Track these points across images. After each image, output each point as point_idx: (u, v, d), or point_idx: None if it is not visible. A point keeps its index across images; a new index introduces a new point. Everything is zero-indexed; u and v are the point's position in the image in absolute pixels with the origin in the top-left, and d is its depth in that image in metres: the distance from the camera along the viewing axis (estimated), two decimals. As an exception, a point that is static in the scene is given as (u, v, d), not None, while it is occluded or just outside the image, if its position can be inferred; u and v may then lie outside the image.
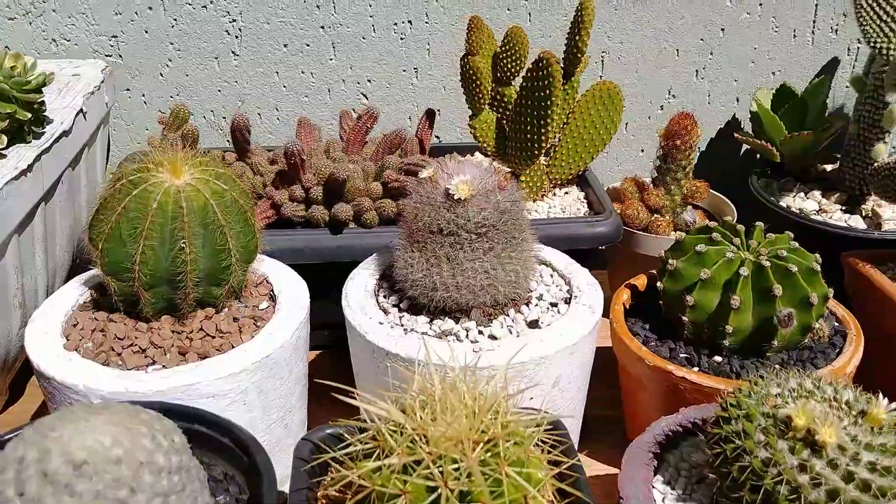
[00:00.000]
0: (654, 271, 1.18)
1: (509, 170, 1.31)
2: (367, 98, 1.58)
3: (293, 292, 1.04)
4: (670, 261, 1.02)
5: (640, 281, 1.18)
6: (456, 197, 0.92)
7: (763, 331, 0.95)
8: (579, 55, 1.26)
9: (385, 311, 1.00)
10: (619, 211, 1.36)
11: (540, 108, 1.18)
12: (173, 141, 1.26)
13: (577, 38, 1.23)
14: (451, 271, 0.95)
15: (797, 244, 1.00)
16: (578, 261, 1.31)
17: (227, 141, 1.56)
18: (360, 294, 1.02)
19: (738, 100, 1.65)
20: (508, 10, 1.52)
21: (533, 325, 0.97)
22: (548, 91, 1.15)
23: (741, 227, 1.03)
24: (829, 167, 1.50)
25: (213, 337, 0.95)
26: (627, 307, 1.13)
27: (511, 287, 0.97)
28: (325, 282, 1.19)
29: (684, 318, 1.00)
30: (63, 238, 1.23)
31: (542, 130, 1.20)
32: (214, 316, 0.98)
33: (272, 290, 1.06)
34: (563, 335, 0.93)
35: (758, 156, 1.58)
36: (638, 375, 1.00)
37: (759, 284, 0.94)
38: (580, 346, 0.94)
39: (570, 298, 1.03)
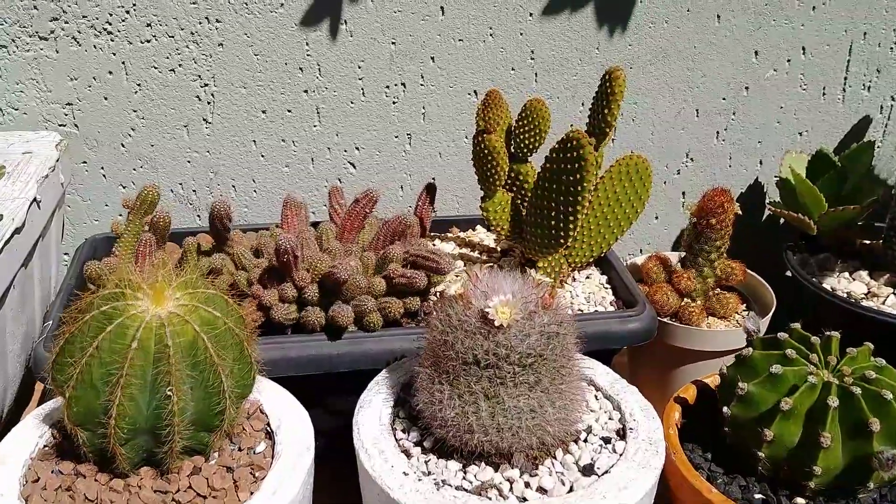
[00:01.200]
0: (705, 381, 1.07)
1: (543, 277, 1.19)
2: (354, 167, 1.45)
3: (294, 425, 0.90)
4: (740, 384, 0.90)
5: (690, 393, 1.06)
6: (497, 323, 0.79)
7: (856, 470, 0.84)
8: (607, 129, 1.14)
9: (407, 454, 0.86)
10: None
11: (568, 194, 1.06)
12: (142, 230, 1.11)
13: (605, 111, 1.12)
14: (491, 411, 0.81)
15: (883, 361, 0.89)
16: (604, 361, 1.20)
17: (198, 216, 1.42)
18: (374, 429, 0.89)
19: (761, 162, 1.56)
20: (512, 69, 1.41)
21: (587, 471, 0.84)
22: (578, 176, 1.03)
23: (815, 340, 0.92)
24: (867, 241, 1.41)
25: (205, 497, 0.80)
26: (679, 426, 1.01)
27: (561, 426, 0.84)
28: (320, 391, 1.07)
29: (760, 453, 0.88)
30: (15, 348, 1.08)
31: (570, 218, 1.08)
32: (204, 466, 0.83)
33: (268, 425, 0.91)
34: (625, 488, 0.80)
35: (781, 220, 1.49)
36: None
37: (850, 417, 0.83)
38: (645, 502, 0.81)
39: (623, 430, 0.91)
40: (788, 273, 1.63)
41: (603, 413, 0.94)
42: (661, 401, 1.36)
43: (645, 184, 1.22)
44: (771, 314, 1.31)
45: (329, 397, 1.14)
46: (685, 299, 1.33)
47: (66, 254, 1.40)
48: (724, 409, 0.93)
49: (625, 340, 1.15)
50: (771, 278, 1.38)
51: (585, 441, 0.90)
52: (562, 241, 1.12)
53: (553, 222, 1.11)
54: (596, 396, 0.98)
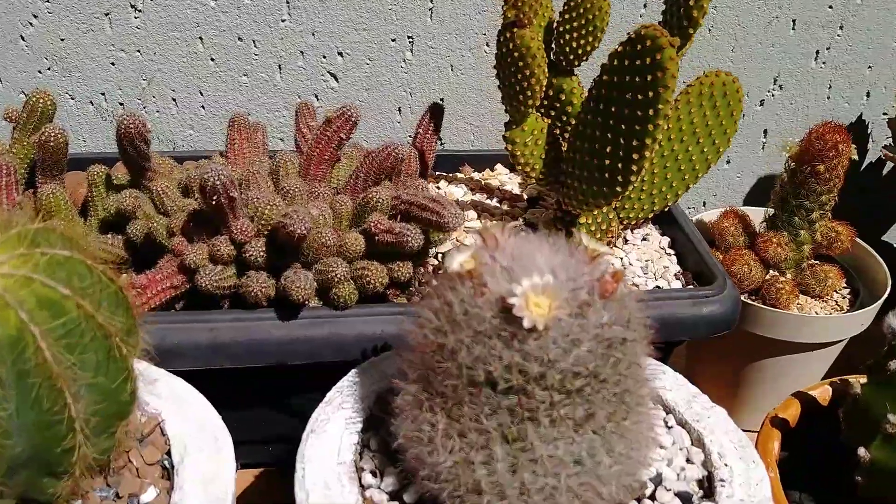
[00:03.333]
0: (811, 393, 0.78)
1: (590, 240, 0.89)
2: (336, 80, 1.14)
3: (205, 460, 0.61)
4: (891, 417, 0.60)
5: (792, 412, 0.78)
6: (527, 323, 0.49)
7: None
8: (690, 29, 0.83)
9: (377, 513, 0.58)
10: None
11: (635, 119, 0.76)
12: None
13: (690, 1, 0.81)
14: (513, 461, 0.53)
15: None
16: (663, 356, 0.91)
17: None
18: (328, 471, 0.60)
19: (868, 94, 1.24)
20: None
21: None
22: (653, 92, 0.73)
23: None
24: None
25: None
26: (778, 460, 0.72)
27: (621, 483, 0.55)
28: (268, 389, 0.86)
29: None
30: None
31: (635, 155, 0.77)
32: (50, 528, 0.54)
33: (168, 454, 0.63)
34: None
35: (887, 170, 1.18)
36: None
37: None
38: None
39: (710, 481, 0.62)
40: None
41: (678, 451, 0.65)
42: (726, 405, 1.07)
43: (733, 113, 0.92)
44: (885, 297, 1.01)
45: (283, 397, 0.86)
46: (771, 271, 1.03)
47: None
48: (861, 450, 0.64)
49: (697, 330, 0.86)
50: (877, 249, 1.08)
51: (653, 499, 0.61)
52: (619, 187, 0.81)
53: (609, 160, 0.80)
54: (666, 421, 0.68)
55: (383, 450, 0.63)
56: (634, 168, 0.79)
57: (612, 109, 0.78)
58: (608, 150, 0.79)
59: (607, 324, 0.52)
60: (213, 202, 0.75)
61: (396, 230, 0.78)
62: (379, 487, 0.61)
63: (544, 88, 0.85)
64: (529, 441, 0.52)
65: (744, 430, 1.08)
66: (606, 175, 0.81)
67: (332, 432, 0.64)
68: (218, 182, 0.73)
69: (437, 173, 1.11)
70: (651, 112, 0.74)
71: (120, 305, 0.56)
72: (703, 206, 1.32)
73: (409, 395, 0.57)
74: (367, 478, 0.61)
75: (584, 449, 0.53)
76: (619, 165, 0.79)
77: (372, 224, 0.80)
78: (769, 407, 1.05)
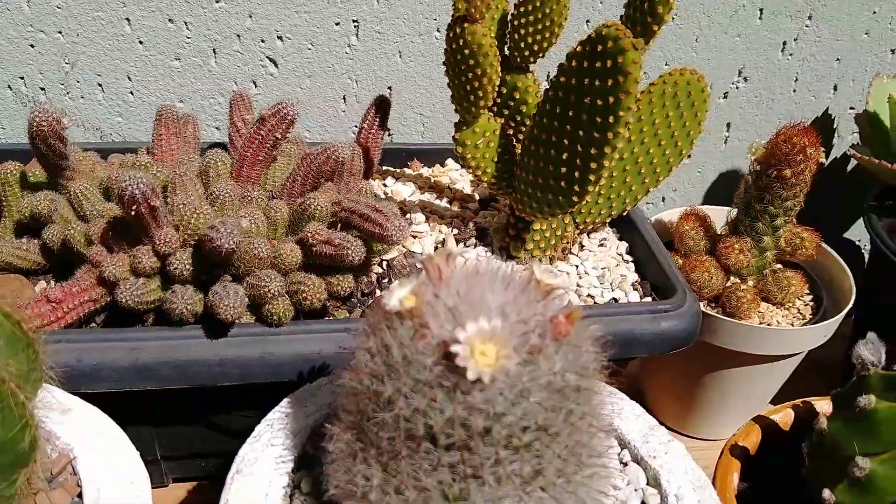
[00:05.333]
0: (772, 417, 0.77)
1: (536, 250, 0.86)
2: (276, 66, 1.08)
3: (118, 499, 0.57)
4: (858, 460, 0.58)
5: (752, 440, 0.76)
6: (472, 375, 0.45)
7: None
8: (654, 25, 0.79)
9: (307, 570, 0.54)
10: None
11: (593, 126, 0.72)
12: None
13: (653, -3, 0.77)
14: (453, 521, 0.49)
15: None
16: (619, 368, 0.89)
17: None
18: (255, 521, 0.56)
19: (835, 88, 1.22)
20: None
21: None
22: (613, 97, 0.69)
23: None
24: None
25: None
26: (738, 492, 0.70)
27: (571, 541, 0.52)
28: (200, 406, 0.81)
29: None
30: None
31: (593, 164, 0.74)
32: None
33: (80, 496, 0.58)
34: None
35: (849, 168, 1.16)
36: None
37: None
38: None
39: (666, 527, 0.59)
40: (859, 243, 1.32)
41: (633, 493, 0.62)
42: (680, 415, 1.05)
43: (698, 114, 0.88)
44: (849, 306, 0.99)
45: (216, 413, 0.81)
46: (732, 278, 1.01)
47: None
48: (826, 492, 0.62)
49: (655, 346, 0.83)
50: (846, 251, 1.06)
51: (606, 549, 0.58)
52: (575, 196, 0.78)
53: (565, 168, 0.76)
54: (621, 458, 0.65)
55: (316, 492, 0.60)
56: (592, 178, 0.75)
57: (569, 114, 0.74)
58: (564, 157, 0.76)
59: (560, 371, 0.48)
60: (133, 212, 0.69)
61: (336, 242, 0.74)
62: (310, 536, 0.57)
63: (497, 87, 0.81)
64: (472, 501, 0.49)
65: (700, 440, 1.08)
66: (562, 184, 0.77)
67: (259, 474, 0.60)
68: (137, 191, 0.67)
69: (384, 168, 1.06)
70: (611, 119, 0.70)
71: (17, 344, 0.51)
72: (662, 201, 1.30)
73: (342, 443, 0.53)
74: (298, 527, 0.58)
75: (533, 508, 0.50)
76: (576, 174, 0.76)
77: (310, 235, 0.75)
78: (727, 416, 1.04)
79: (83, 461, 0.61)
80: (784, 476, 0.72)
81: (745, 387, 1.01)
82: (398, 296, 0.50)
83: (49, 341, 0.66)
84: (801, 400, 0.79)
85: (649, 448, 0.65)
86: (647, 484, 0.63)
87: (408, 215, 0.95)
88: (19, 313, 0.52)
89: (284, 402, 0.67)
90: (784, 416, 0.78)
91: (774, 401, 1.05)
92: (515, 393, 0.47)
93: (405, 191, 1.00)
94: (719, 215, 1.07)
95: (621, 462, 0.65)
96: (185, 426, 0.84)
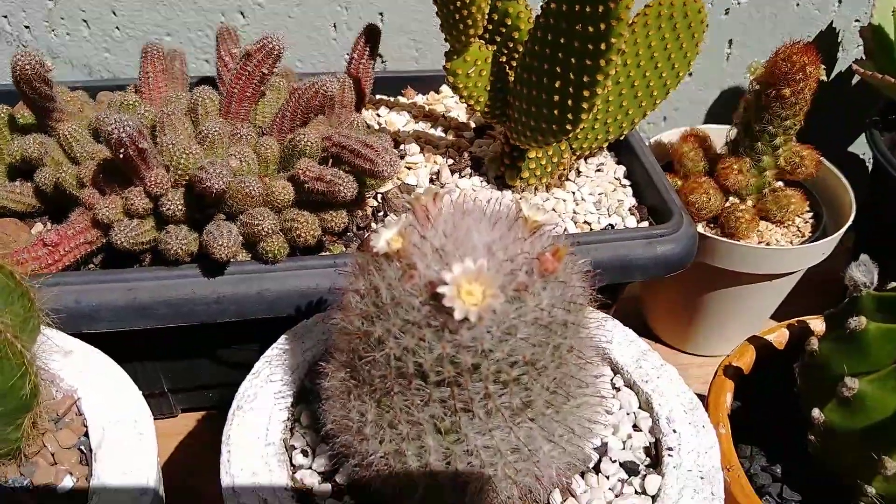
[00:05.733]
0: (767, 337, 0.78)
1: (531, 179, 0.86)
2: (266, -5, 1.06)
3: (126, 446, 0.59)
4: (847, 380, 0.59)
5: (746, 360, 0.76)
6: (459, 315, 0.46)
7: None
8: (646, -53, 0.77)
9: (309, 495, 0.56)
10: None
11: (585, 52, 0.71)
12: None
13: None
14: (446, 452, 0.50)
15: None
16: (612, 294, 0.90)
17: (35, 67, 1.03)
18: (255, 456, 0.58)
19: (840, 1, 1.19)
20: None
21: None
22: (605, 23, 0.68)
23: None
24: None
25: None
26: (731, 411, 0.72)
27: (563, 463, 0.53)
28: (203, 340, 0.81)
29: (869, 488, 0.59)
30: None
31: (588, 89, 0.73)
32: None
33: (86, 436, 0.60)
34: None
35: (853, 83, 1.14)
36: None
37: None
38: None
39: (657, 449, 0.60)
40: (863, 157, 1.31)
41: (625, 416, 0.64)
42: (681, 334, 1.07)
43: (695, 35, 0.87)
44: (849, 224, 0.99)
45: (219, 347, 0.83)
46: (731, 198, 1.00)
47: None
48: (816, 411, 0.63)
49: (651, 271, 0.84)
50: (849, 167, 1.05)
51: (597, 471, 0.59)
52: (569, 125, 0.77)
53: (558, 97, 0.76)
54: (614, 383, 0.67)
55: (315, 425, 0.61)
56: (585, 106, 0.75)
57: (561, 41, 0.73)
58: (557, 85, 0.75)
59: (546, 307, 0.49)
60: (122, 155, 0.69)
61: (328, 178, 0.74)
62: (310, 468, 0.59)
63: (487, 14, 0.80)
64: (464, 433, 0.50)
65: (699, 356, 1.09)
66: (556, 112, 0.77)
67: (259, 409, 0.62)
68: (124, 134, 0.67)
69: (377, 97, 1.05)
70: (603, 46, 0.69)
71: (11, 294, 0.52)
72: (665, 121, 1.28)
73: (336, 380, 0.54)
74: (298, 458, 0.59)
75: (522, 437, 0.51)
76: (569, 103, 0.75)
77: (301, 171, 0.75)
78: (727, 334, 1.06)
79: (87, 401, 0.63)
80: (777, 395, 0.74)
81: (743, 305, 1.01)
82: (385, 237, 0.50)
83: (47, 284, 0.68)
84: (796, 319, 0.80)
85: (641, 373, 0.66)
86: (640, 408, 0.65)
87: (402, 146, 0.94)
88: (11, 263, 0.53)
89: (282, 338, 0.68)
90: (779, 336, 0.79)
91: (776, 316, 1.06)
92: (503, 330, 0.48)
93: (399, 121, 1.00)
94: (720, 134, 1.06)
95: (614, 387, 0.66)
96: (189, 360, 0.85)
